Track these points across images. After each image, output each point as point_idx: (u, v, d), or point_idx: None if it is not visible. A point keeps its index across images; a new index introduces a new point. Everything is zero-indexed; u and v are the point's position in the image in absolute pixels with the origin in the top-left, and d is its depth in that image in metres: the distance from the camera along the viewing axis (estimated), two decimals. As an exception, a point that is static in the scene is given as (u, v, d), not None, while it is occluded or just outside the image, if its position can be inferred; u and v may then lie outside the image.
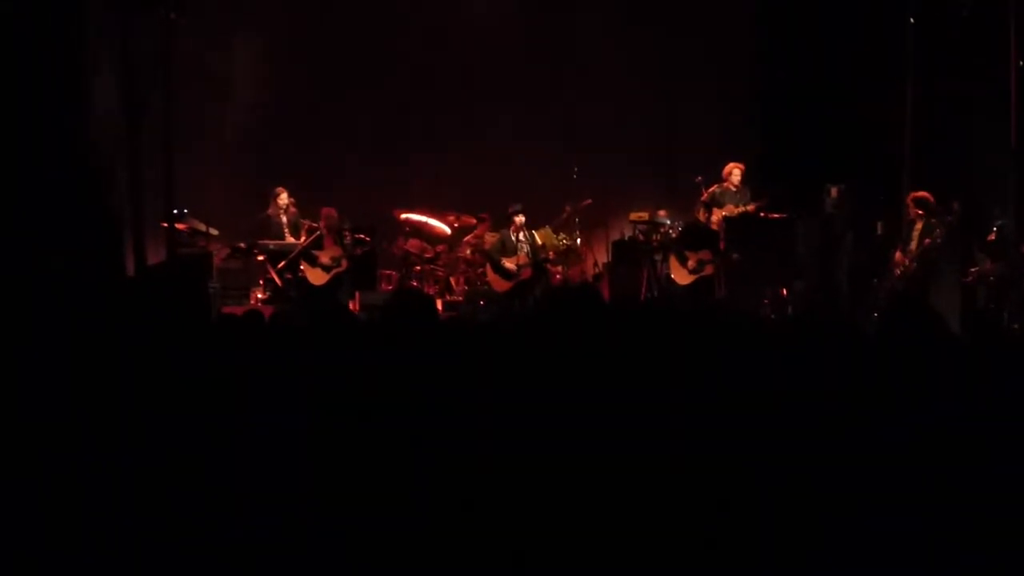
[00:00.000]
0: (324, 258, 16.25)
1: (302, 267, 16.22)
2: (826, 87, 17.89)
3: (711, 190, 16.48)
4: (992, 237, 15.21)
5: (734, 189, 16.49)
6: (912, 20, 15.49)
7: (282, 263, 16.18)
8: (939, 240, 14.51)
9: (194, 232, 16.47)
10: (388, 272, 18.04)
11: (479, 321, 12.37)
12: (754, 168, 17.00)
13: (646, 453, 4.05)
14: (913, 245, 14.64)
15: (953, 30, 16.08)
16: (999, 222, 15.12)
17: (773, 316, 14.77)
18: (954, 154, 16.37)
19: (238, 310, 13.64)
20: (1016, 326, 13.68)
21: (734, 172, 16.55)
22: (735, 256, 15.93)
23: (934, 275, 14.72)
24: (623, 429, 4.12)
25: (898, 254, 14.82)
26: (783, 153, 18.05)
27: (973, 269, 15.20)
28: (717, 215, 16.29)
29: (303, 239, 16.34)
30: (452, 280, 18.12)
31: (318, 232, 16.26)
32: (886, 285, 14.90)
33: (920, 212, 14.68)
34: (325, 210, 16.49)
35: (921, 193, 14.82)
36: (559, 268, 17.70)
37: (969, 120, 16.37)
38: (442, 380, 4.48)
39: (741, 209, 16.24)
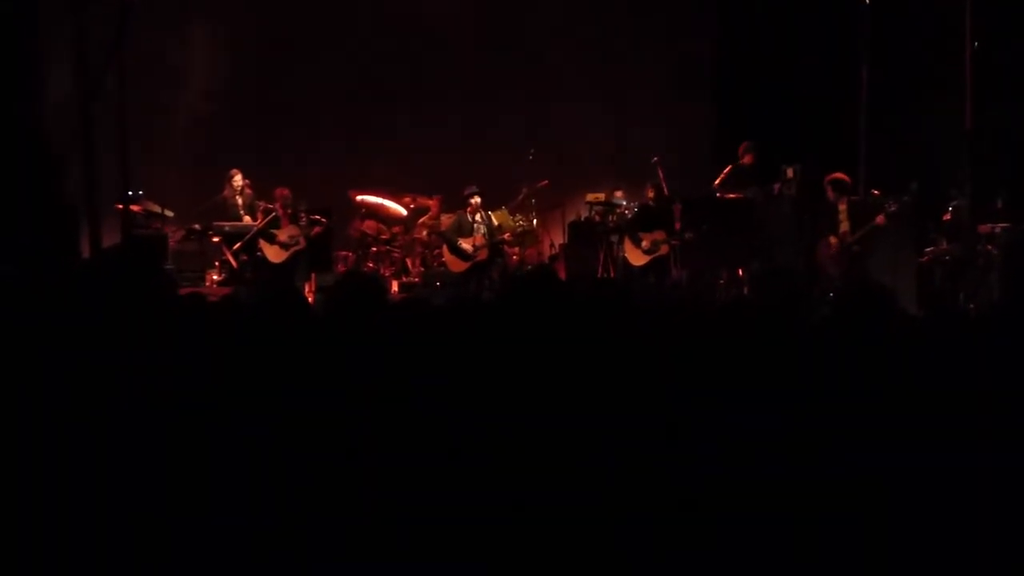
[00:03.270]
0: (282, 236, 16.18)
1: (260, 245, 16.16)
2: (782, 68, 17.93)
3: (726, 171, 16.51)
4: (947, 217, 15.30)
5: (747, 166, 16.54)
6: (867, 1, 15.49)
7: (238, 244, 16.12)
8: (892, 222, 14.53)
9: (149, 214, 16.41)
10: (344, 253, 17.97)
11: (435, 303, 12.36)
12: (710, 149, 17.01)
13: (610, 437, 4.04)
14: (844, 227, 14.66)
15: (908, 11, 16.14)
16: (954, 202, 15.19)
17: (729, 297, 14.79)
18: (910, 134, 16.43)
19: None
20: (971, 306, 13.73)
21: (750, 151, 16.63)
22: (689, 236, 15.93)
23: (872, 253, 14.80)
24: (585, 413, 4.11)
25: (832, 239, 14.80)
26: (739, 134, 18.06)
27: (929, 249, 15.27)
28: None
29: (259, 220, 16.25)
30: (408, 261, 18.11)
31: (274, 213, 16.18)
32: (833, 269, 14.90)
33: (839, 194, 14.75)
34: (279, 190, 16.42)
35: (837, 175, 14.86)
36: (515, 249, 17.74)
37: (924, 101, 16.42)
38: (394, 364, 4.44)
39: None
